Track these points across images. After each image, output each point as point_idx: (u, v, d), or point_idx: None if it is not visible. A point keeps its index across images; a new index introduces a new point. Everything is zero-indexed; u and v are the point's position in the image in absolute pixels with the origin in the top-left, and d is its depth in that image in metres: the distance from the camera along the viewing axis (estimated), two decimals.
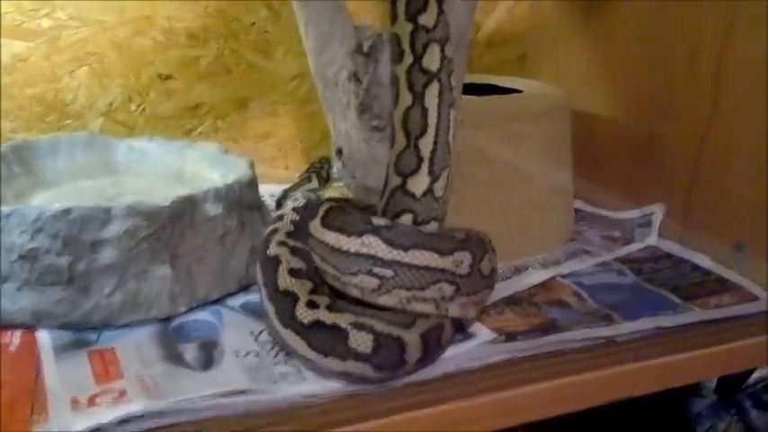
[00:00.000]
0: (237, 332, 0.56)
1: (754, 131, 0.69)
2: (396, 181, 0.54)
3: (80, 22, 0.81)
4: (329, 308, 0.50)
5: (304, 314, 0.50)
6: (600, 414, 0.57)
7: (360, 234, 0.51)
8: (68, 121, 0.83)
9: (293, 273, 0.53)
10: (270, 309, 0.53)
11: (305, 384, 0.49)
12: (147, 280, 0.55)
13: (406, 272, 0.50)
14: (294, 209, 0.59)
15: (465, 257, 0.51)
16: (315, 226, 0.54)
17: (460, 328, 0.57)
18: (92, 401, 0.46)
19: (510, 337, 0.57)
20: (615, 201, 0.84)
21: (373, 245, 0.50)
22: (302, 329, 0.50)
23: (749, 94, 0.70)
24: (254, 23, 0.87)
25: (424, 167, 0.53)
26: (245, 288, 0.62)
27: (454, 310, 0.52)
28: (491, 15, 1.00)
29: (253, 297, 0.61)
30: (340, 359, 0.49)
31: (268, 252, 0.55)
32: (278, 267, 0.53)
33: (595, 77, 0.89)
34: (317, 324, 0.49)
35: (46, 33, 0.80)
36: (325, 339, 0.49)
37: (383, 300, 0.51)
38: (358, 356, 0.49)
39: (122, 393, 0.46)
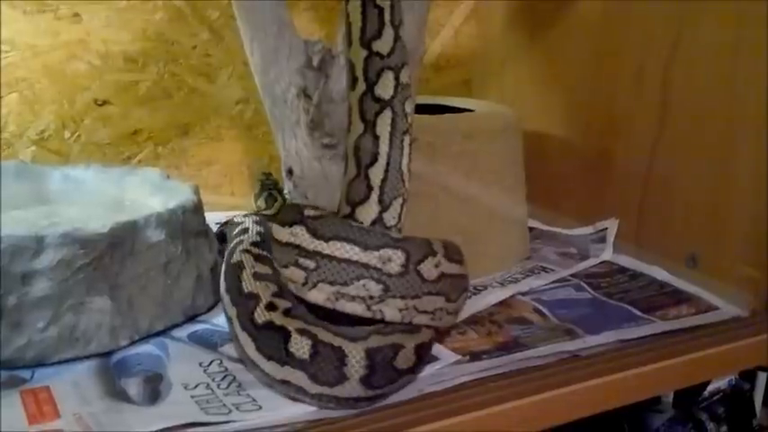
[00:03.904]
0: (185, 364, 0.53)
1: (701, 145, 0.70)
2: (345, 210, 0.53)
3: (10, 46, 0.77)
4: (287, 312, 0.48)
5: (260, 315, 0.48)
6: None
7: (290, 224, 0.51)
8: None
9: (257, 276, 0.51)
10: (233, 313, 0.50)
11: (261, 413, 0.47)
12: (84, 312, 0.52)
13: (327, 264, 0.49)
14: (259, 221, 0.58)
15: (395, 256, 0.49)
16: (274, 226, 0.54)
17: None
18: None
19: (474, 356, 0.55)
20: (568, 218, 0.84)
21: (299, 235, 0.50)
22: (255, 330, 0.48)
23: (696, 109, 0.71)
24: (195, 47, 0.85)
25: (374, 196, 0.52)
26: (191, 318, 0.60)
27: (391, 313, 0.50)
28: (436, 39, 1.00)
29: (200, 327, 0.59)
30: (279, 364, 0.46)
31: (231, 259, 0.53)
32: (241, 273, 0.51)
33: (544, 98, 0.89)
34: (268, 325, 0.47)
35: None
36: (271, 341, 0.47)
37: (313, 295, 0.50)
38: (295, 362, 0.46)
39: None
